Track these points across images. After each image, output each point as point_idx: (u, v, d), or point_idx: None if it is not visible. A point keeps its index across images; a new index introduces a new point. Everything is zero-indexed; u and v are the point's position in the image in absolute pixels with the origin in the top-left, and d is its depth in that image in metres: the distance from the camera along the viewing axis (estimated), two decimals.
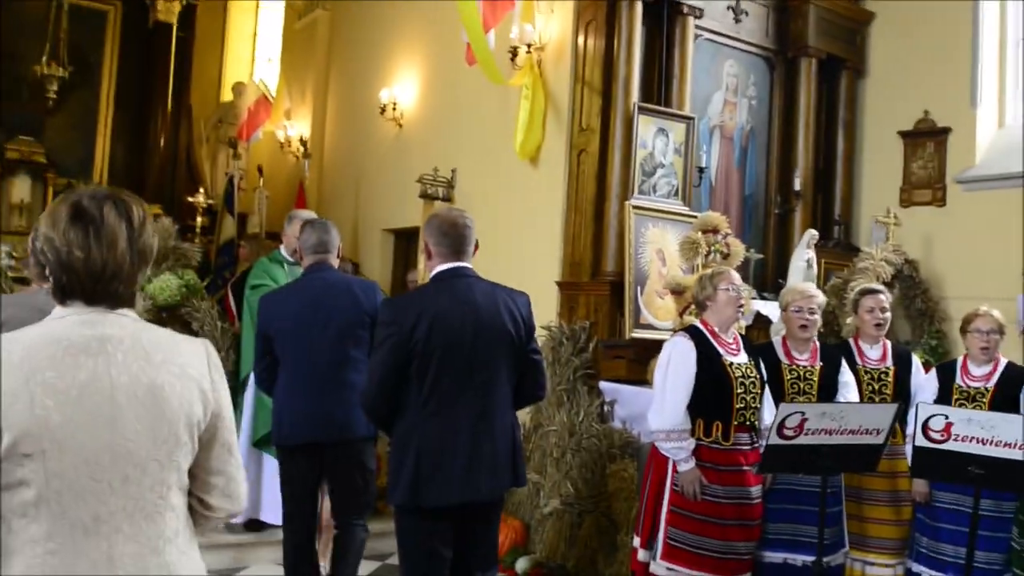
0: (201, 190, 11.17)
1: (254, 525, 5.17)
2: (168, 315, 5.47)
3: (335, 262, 3.90)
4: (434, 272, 3.09)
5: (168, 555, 1.64)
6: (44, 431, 1.52)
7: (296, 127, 11.54)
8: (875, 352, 4.33)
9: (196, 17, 12.18)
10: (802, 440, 3.32)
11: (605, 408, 5.51)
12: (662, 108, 6.23)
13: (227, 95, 12.76)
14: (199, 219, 10.75)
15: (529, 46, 6.61)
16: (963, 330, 4.17)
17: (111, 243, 1.63)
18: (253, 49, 13.57)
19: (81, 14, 10.95)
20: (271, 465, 4.88)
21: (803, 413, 3.32)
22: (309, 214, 4.82)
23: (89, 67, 11.26)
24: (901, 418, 3.89)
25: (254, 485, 5.00)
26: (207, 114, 12.50)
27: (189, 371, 1.68)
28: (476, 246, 3.21)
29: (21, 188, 10.74)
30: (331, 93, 11.13)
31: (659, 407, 3.78)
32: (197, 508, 1.76)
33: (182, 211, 10.71)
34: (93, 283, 1.63)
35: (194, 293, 5.55)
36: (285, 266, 4.95)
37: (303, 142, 11.14)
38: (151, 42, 11.63)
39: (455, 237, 3.05)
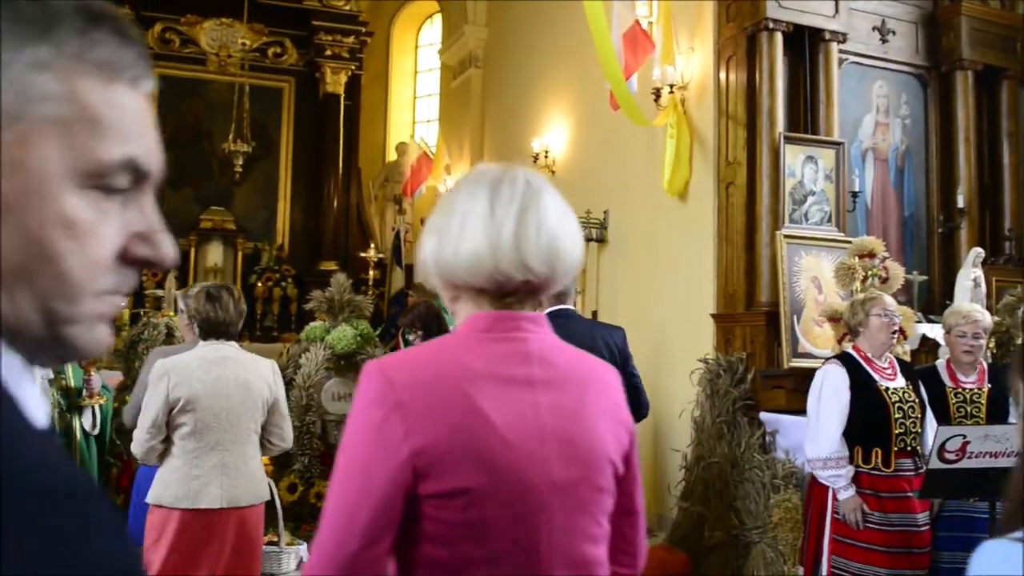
0: (372, 245, 11.93)
1: None
2: (345, 362, 5.94)
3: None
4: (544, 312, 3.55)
5: (249, 465, 3.18)
6: (196, 398, 3.08)
7: (456, 180, 12.13)
8: None
9: (361, 86, 13.17)
10: (965, 464, 3.27)
11: (767, 439, 5.49)
12: (809, 136, 6.21)
13: (391, 155, 13.59)
14: (371, 272, 11.47)
15: (672, 86, 6.76)
16: None
17: (224, 308, 3.18)
18: (413, 110, 14.42)
19: (260, 93, 12.08)
20: None
21: (964, 436, 3.27)
22: None
23: (269, 140, 12.38)
24: None
25: None
26: (374, 174, 13.37)
27: (262, 375, 3.25)
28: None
29: (214, 253, 11.88)
30: (487, 146, 11.66)
31: (814, 435, 3.79)
32: (266, 444, 3.29)
33: (356, 265, 11.47)
34: (217, 328, 3.20)
35: (367, 341, 6.00)
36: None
37: None
38: (321, 112, 12.67)
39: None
